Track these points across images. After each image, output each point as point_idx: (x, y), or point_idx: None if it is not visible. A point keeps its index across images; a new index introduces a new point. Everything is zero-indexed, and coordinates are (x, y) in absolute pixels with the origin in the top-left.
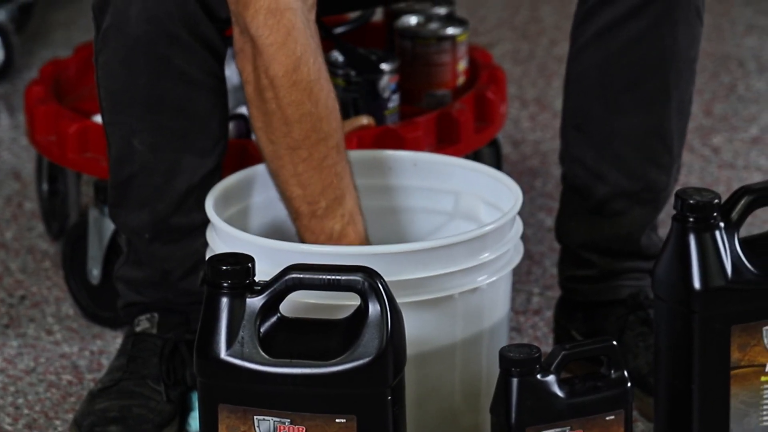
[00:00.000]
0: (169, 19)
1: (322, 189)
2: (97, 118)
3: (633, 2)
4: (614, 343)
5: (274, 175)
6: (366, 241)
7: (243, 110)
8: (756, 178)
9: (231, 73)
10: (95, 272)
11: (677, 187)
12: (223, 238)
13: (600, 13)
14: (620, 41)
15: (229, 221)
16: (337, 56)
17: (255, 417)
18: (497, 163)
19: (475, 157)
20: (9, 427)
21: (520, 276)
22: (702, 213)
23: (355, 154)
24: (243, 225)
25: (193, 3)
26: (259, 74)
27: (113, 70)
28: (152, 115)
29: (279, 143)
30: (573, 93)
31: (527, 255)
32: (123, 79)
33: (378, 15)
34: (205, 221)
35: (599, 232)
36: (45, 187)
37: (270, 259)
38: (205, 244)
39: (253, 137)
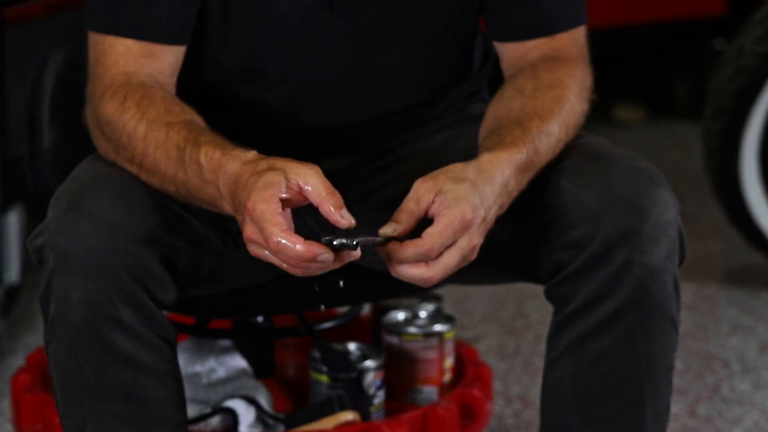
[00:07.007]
0: (111, 304)
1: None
2: None
3: (604, 315)
4: None
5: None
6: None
7: (230, 404)
8: None
9: (206, 368)
10: None
11: None
12: None
13: (572, 325)
14: (593, 353)
15: None
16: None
17: None
18: None
19: None
20: None
21: None
22: None
23: None
24: None
25: (133, 286)
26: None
27: (60, 360)
28: (101, 404)
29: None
30: (549, 403)
31: None
32: (70, 367)
33: (366, 309)
34: None
35: None
36: None
37: None
38: None
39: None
